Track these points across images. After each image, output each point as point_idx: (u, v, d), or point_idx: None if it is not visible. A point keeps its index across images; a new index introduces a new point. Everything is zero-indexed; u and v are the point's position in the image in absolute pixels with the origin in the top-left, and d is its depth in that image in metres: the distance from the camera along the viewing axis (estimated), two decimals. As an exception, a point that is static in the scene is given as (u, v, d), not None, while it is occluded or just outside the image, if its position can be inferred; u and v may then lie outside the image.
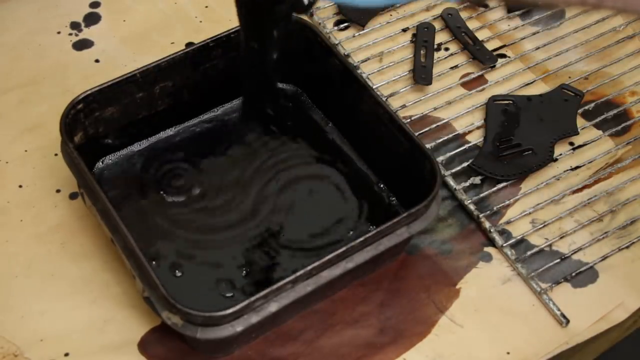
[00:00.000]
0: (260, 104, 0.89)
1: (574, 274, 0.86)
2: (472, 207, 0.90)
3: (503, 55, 1.04)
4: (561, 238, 0.89)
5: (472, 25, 1.06)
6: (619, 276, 0.87)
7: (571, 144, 0.96)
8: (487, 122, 0.96)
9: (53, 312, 0.82)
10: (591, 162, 0.94)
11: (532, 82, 1.01)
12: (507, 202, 0.91)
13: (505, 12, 1.08)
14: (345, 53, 1.02)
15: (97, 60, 1.01)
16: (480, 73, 1.02)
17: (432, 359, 0.81)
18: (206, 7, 1.06)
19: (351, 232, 0.85)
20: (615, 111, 0.98)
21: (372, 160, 0.90)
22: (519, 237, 0.88)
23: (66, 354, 0.79)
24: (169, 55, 0.87)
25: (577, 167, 0.94)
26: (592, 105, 0.98)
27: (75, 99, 0.83)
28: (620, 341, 0.90)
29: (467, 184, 0.92)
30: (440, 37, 1.05)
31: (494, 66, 1.02)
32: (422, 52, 1.02)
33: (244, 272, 0.83)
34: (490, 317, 0.84)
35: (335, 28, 1.05)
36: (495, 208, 0.90)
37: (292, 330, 0.82)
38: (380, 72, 1.01)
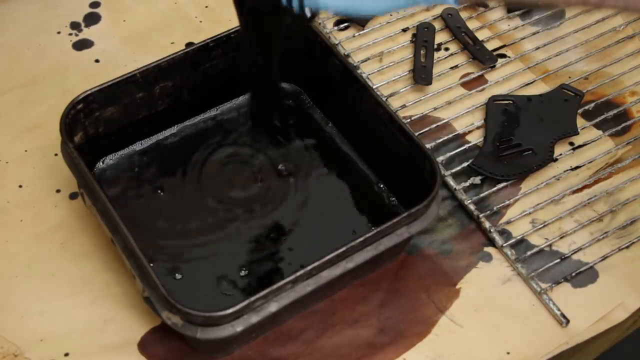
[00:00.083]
0: (265, 107, 0.89)
1: (574, 274, 0.86)
2: (472, 207, 0.90)
3: (503, 55, 1.04)
4: (561, 238, 0.89)
5: (472, 25, 1.06)
6: (619, 276, 0.87)
7: (571, 144, 0.96)
8: (487, 122, 0.96)
9: (53, 312, 0.82)
10: (591, 162, 0.94)
11: (532, 82, 1.01)
12: (507, 202, 0.91)
13: (505, 12, 1.08)
14: (345, 53, 1.02)
15: (97, 60, 1.01)
16: (480, 73, 1.02)
17: (432, 359, 0.81)
18: (206, 7, 1.06)
19: (354, 232, 0.85)
20: (615, 111, 0.98)
21: (372, 160, 0.90)
22: (519, 237, 0.88)
23: (66, 354, 0.79)
24: (169, 55, 0.87)
25: (577, 167, 0.94)
26: (592, 105, 0.98)
27: (75, 99, 0.83)
28: (620, 341, 0.90)
29: (467, 184, 0.92)
30: (440, 37, 1.05)
31: (494, 66, 1.02)
32: (422, 52, 1.02)
33: (245, 271, 0.83)
34: (490, 317, 0.84)
35: (335, 28, 1.05)
36: (495, 208, 0.90)
37: (292, 330, 0.82)
38: (380, 72, 1.01)
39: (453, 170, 0.93)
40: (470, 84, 1.01)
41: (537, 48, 1.04)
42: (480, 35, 1.05)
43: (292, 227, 0.86)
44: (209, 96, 0.93)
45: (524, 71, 1.02)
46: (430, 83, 0.99)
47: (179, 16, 1.05)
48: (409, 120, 0.96)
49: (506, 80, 1.01)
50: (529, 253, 0.87)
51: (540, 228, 0.89)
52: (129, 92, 0.86)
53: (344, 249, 0.76)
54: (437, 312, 0.83)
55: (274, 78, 0.82)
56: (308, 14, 0.70)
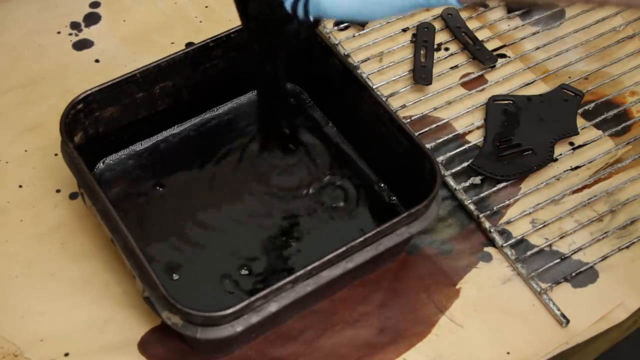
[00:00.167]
0: (273, 112, 0.89)
1: (574, 274, 0.86)
2: (472, 207, 0.90)
3: (503, 55, 1.04)
4: (561, 238, 0.89)
5: (472, 25, 1.06)
6: (619, 276, 0.87)
7: (571, 144, 0.96)
8: (487, 122, 0.96)
9: (53, 312, 0.82)
10: (591, 162, 0.94)
11: (532, 82, 1.01)
12: (507, 202, 0.91)
13: (505, 12, 1.08)
14: (345, 53, 1.02)
15: (97, 60, 1.01)
16: (480, 73, 1.02)
17: (432, 359, 0.81)
18: (206, 7, 1.06)
19: (355, 232, 0.85)
20: (615, 111, 0.98)
21: (372, 160, 0.90)
22: (519, 237, 0.88)
23: (66, 354, 0.79)
24: (169, 55, 0.87)
25: (577, 167, 0.94)
26: (592, 105, 0.98)
27: (75, 99, 0.83)
28: (620, 341, 0.90)
29: (467, 184, 0.92)
30: (440, 37, 1.05)
31: (494, 66, 1.02)
32: (422, 52, 1.02)
33: (245, 271, 0.83)
34: (490, 317, 0.84)
35: (335, 28, 1.05)
36: (495, 208, 0.90)
37: (292, 330, 0.82)
38: (380, 72, 1.01)
39: (453, 170, 0.93)
40: (470, 84, 1.01)
41: (537, 48, 1.04)
42: (480, 35, 1.05)
43: (292, 227, 0.86)
44: (209, 96, 0.93)
45: (524, 71, 1.02)
46: (430, 83, 0.99)
47: (179, 16, 1.05)
48: (409, 120, 0.96)
49: (506, 80, 1.01)
50: (529, 253, 0.87)
51: (540, 228, 0.89)
52: (129, 92, 0.86)
53: (344, 249, 0.76)
54: (437, 312, 0.83)
55: (279, 82, 0.83)
56: (312, 20, 0.71)
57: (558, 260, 0.87)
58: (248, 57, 0.87)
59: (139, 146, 0.91)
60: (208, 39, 0.88)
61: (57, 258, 0.85)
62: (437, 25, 1.05)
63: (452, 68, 1.01)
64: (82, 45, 1.02)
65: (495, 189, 0.92)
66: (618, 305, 0.85)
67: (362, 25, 1.05)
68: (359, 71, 1.00)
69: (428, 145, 0.94)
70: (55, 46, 1.02)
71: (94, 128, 0.86)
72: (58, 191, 0.90)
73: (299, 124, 0.93)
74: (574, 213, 0.90)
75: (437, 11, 1.07)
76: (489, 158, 0.93)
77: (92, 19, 1.04)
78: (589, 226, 0.90)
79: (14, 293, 0.83)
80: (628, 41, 1.05)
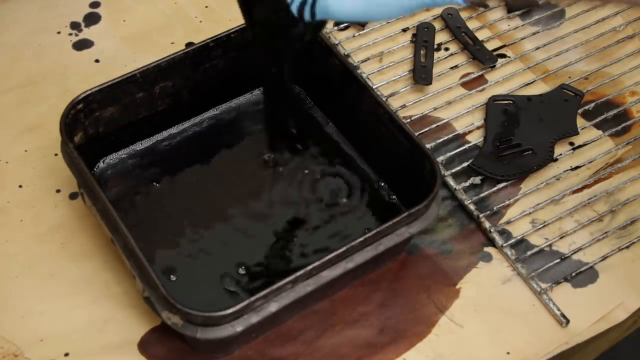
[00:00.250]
0: (279, 112, 0.90)
1: (574, 274, 0.86)
2: (472, 207, 0.90)
3: (503, 55, 1.04)
4: (561, 238, 0.89)
5: (472, 25, 1.06)
6: (618, 276, 0.87)
7: (571, 144, 0.96)
8: (487, 122, 0.96)
9: (53, 312, 0.82)
10: (591, 162, 0.94)
11: (532, 82, 1.01)
12: (507, 202, 0.91)
13: (505, 12, 1.08)
14: (345, 53, 1.02)
15: (97, 60, 1.01)
16: (480, 73, 1.02)
17: (432, 359, 0.81)
18: (206, 7, 1.06)
19: (355, 232, 0.85)
20: (615, 111, 0.98)
21: (372, 160, 0.90)
22: (519, 237, 0.88)
23: (66, 354, 0.79)
24: (169, 55, 0.87)
25: (577, 167, 0.94)
26: (592, 105, 0.98)
27: (75, 99, 0.83)
28: (620, 341, 0.90)
29: (467, 184, 0.92)
30: (440, 37, 1.05)
31: (494, 66, 1.02)
32: (422, 52, 1.02)
33: (244, 271, 0.83)
34: (490, 317, 0.84)
35: (335, 28, 1.05)
36: (495, 208, 0.90)
37: (292, 330, 0.82)
38: (380, 72, 1.01)
39: (453, 170, 0.93)
40: (470, 84, 1.01)
41: (537, 48, 1.04)
42: (480, 35, 1.05)
43: (291, 226, 0.86)
44: (209, 96, 0.93)
45: (524, 71, 1.02)
46: (430, 83, 0.99)
47: (179, 16, 1.05)
48: (409, 120, 0.96)
49: (506, 80, 1.01)
50: (529, 253, 0.87)
51: (540, 228, 0.89)
52: (129, 92, 0.86)
53: (344, 249, 0.76)
54: (437, 312, 0.83)
55: (285, 84, 0.83)
56: (316, 23, 0.71)
57: (558, 260, 0.87)
58: (251, 58, 0.88)
59: (139, 146, 0.91)
60: (208, 39, 0.88)
61: (57, 258, 0.85)
62: (437, 25, 1.05)
63: (452, 68, 1.01)
64: (82, 45, 1.02)
65: (495, 189, 0.92)
66: (618, 305, 0.85)
67: (362, 25, 1.05)
68: (359, 71, 1.00)
69: (428, 145, 0.94)
70: (55, 46, 1.02)
71: (94, 128, 0.86)
72: (58, 191, 0.90)
73: (305, 124, 0.93)
74: (574, 213, 0.90)
75: (437, 11, 1.07)
76: (489, 158, 0.93)
77: (92, 19, 1.04)
78: (589, 226, 0.90)
79: (14, 293, 0.83)
80: (628, 41, 1.05)
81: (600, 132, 0.97)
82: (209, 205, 0.87)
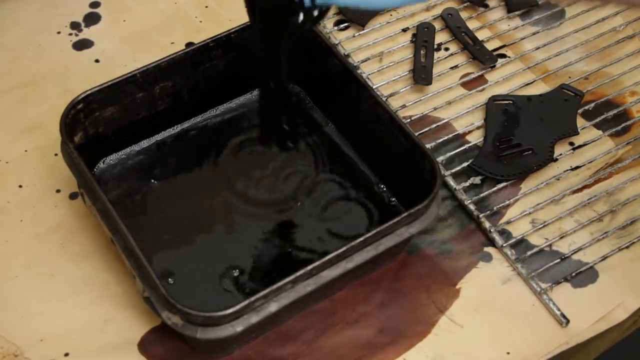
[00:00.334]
0: (274, 108, 0.89)
1: (574, 274, 0.86)
2: (472, 207, 0.90)
3: (503, 55, 1.04)
4: (561, 238, 0.89)
5: (472, 25, 1.06)
6: (618, 276, 0.87)
7: (571, 144, 0.96)
8: (487, 122, 0.96)
9: (53, 312, 0.82)
10: (591, 162, 0.94)
11: (532, 82, 1.01)
12: (507, 202, 0.91)
13: (505, 12, 1.08)
14: (345, 53, 1.02)
15: (97, 60, 1.01)
16: (480, 73, 1.02)
17: (432, 359, 0.81)
18: (206, 7, 1.06)
19: (355, 232, 0.85)
20: (615, 111, 0.98)
21: (372, 160, 0.90)
22: (519, 237, 0.88)
23: (66, 354, 0.79)
24: (169, 55, 0.87)
25: (577, 167, 0.94)
26: (592, 105, 0.98)
27: (75, 99, 0.83)
28: (620, 341, 0.90)
29: (467, 184, 0.92)
30: (440, 37, 1.05)
31: (494, 66, 1.02)
32: (422, 52, 1.02)
33: (245, 270, 0.83)
34: (490, 317, 0.84)
35: (335, 28, 1.05)
36: (495, 208, 0.90)
37: (292, 330, 0.82)
38: (380, 72, 1.01)
39: (453, 170, 0.93)
40: (470, 84, 1.01)
41: (537, 48, 1.04)
42: (480, 35, 1.05)
43: (291, 226, 0.86)
44: (209, 96, 0.93)
45: (524, 71, 1.02)
46: (430, 83, 0.99)
47: (179, 16, 1.05)
48: (409, 120, 0.96)
49: (506, 80, 1.01)
50: (529, 253, 0.87)
51: (540, 228, 0.89)
52: (129, 92, 0.86)
53: (344, 249, 0.76)
54: (437, 312, 0.83)
55: (282, 77, 0.82)
56: (315, 13, 0.71)
57: (558, 260, 0.87)
58: (251, 53, 0.88)
59: (139, 146, 0.91)
60: (208, 39, 0.88)
61: (57, 258, 0.85)
62: (437, 25, 1.05)
63: (452, 68, 1.01)
64: (82, 45, 1.02)
65: (495, 189, 0.92)
66: (618, 305, 0.85)
67: (362, 25, 1.05)
68: (359, 71, 1.00)
69: (428, 145, 0.94)
70: (55, 46, 1.02)
71: (94, 128, 0.86)
72: (58, 191, 0.90)
73: (299, 122, 0.93)
74: (574, 213, 0.90)
75: (437, 11, 1.07)
76: (489, 158, 0.93)
77: (92, 19, 1.04)
78: (589, 226, 0.90)
79: (14, 293, 0.83)
80: (628, 41, 1.05)
81: (600, 132, 0.97)
82: (209, 205, 0.87)
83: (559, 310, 0.83)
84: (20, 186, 0.90)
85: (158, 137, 0.91)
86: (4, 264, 0.85)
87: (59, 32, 1.03)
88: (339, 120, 0.93)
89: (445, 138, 0.95)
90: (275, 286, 0.73)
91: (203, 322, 0.72)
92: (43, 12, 1.05)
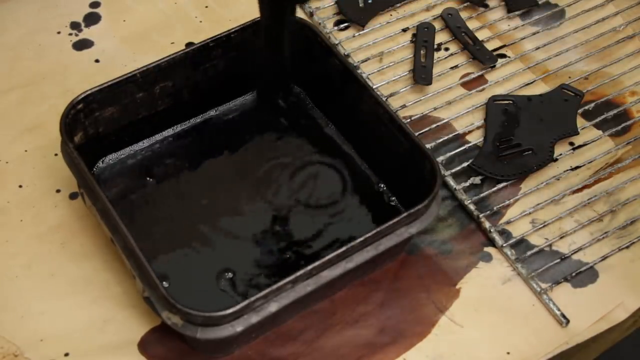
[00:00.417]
0: (274, 93, 0.89)
1: (574, 274, 0.86)
2: (472, 207, 0.90)
3: (503, 55, 1.04)
4: (561, 238, 0.89)
5: (472, 25, 1.06)
6: (618, 276, 0.87)
7: (571, 144, 0.96)
8: (487, 122, 0.96)
9: (53, 312, 0.82)
10: (591, 162, 0.94)
11: (532, 82, 1.01)
12: (507, 202, 0.91)
13: (505, 12, 1.08)
14: (345, 53, 1.02)
15: (97, 60, 1.01)
16: (480, 73, 1.02)
17: (432, 359, 0.81)
18: (206, 7, 1.06)
19: (356, 232, 0.85)
20: (615, 111, 0.98)
21: (372, 160, 0.90)
22: (519, 237, 0.88)
23: (66, 354, 0.79)
24: (169, 55, 0.87)
25: (577, 167, 0.94)
26: (592, 105, 0.98)
27: (75, 99, 0.83)
28: (620, 341, 0.90)
29: (467, 184, 0.92)
30: (440, 37, 1.05)
31: (494, 66, 1.02)
32: (422, 52, 1.02)
33: (243, 271, 0.83)
34: (490, 317, 0.84)
35: (335, 28, 1.05)
36: (495, 208, 0.90)
37: (292, 330, 0.82)
38: (380, 72, 1.01)
39: (453, 170, 0.93)
40: (470, 84, 1.01)
41: (537, 48, 1.04)
42: (480, 35, 1.05)
43: (291, 226, 0.86)
44: (209, 96, 0.93)
45: (524, 71, 1.02)
46: (430, 83, 0.99)
47: (179, 16, 1.05)
48: (409, 120, 0.96)
49: (506, 80, 1.01)
50: (529, 253, 0.87)
51: (540, 228, 0.89)
52: (129, 92, 0.86)
53: (344, 249, 0.76)
54: (437, 312, 0.83)
55: (285, 62, 0.82)
56: None
57: (558, 260, 0.87)
58: (251, 54, 0.88)
59: (139, 146, 0.91)
60: (208, 39, 0.88)
61: (57, 258, 0.85)
62: (437, 25, 1.05)
63: (452, 68, 1.01)
64: (82, 45, 1.02)
65: (495, 189, 0.92)
66: (618, 305, 0.85)
67: (362, 25, 1.05)
68: (359, 71, 1.00)
69: (428, 145, 0.94)
70: (55, 46, 1.02)
71: (94, 128, 0.86)
72: (58, 191, 0.90)
73: (305, 124, 0.93)
74: (574, 213, 0.91)
75: (437, 11, 1.07)
76: (489, 158, 0.93)
77: (92, 19, 1.04)
78: (589, 226, 0.90)
79: (14, 293, 0.83)
80: (628, 41, 1.05)
81: (600, 132, 0.97)
82: (209, 205, 0.87)
83: (559, 310, 0.83)
84: (20, 186, 0.90)
85: (158, 137, 0.91)
86: (4, 264, 0.85)
87: (59, 32, 1.03)
88: (339, 120, 0.93)
89: (445, 138, 0.95)
90: (275, 286, 0.73)
91: (203, 322, 0.72)
92: (43, 12, 1.05)
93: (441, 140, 0.95)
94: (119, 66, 0.99)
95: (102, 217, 0.78)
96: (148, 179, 0.89)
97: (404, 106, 0.97)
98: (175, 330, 0.73)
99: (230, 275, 0.82)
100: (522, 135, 0.95)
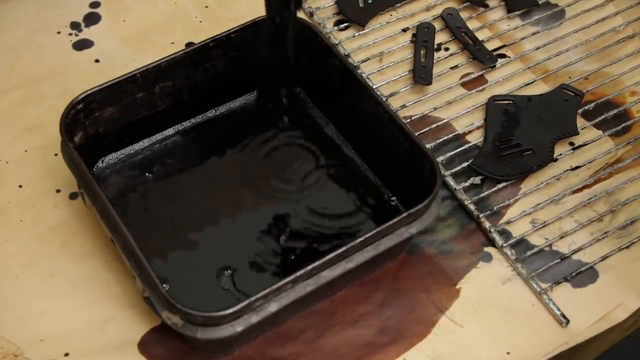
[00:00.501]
0: (276, 92, 0.89)
1: (574, 274, 0.86)
2: (472, 207, 0.90)
3: (503, 55, 1.04)
4: (561, 238, 0.89)
5: (472, 25, 1.06)
6: (618, 276, 0.87)
7: (571, 144, 0.96)
8: (487, 122, 0.96)
9: (53, 312, 0.82)
10: (591, 162, 0.94)
11: (532, 82, 1.01)
12: (507, 202, 0.91)
13: (505, 12, 1.08)
14: (345, 53, 1.02)
15: (97, 60, 1.01)
16: (480, 73, 1.02)
17: (432, 359, 0.81)
18: (206, 7, 1.06)
19: (356, 232, 0.85)
20: (615, 111, 0.98)
21: (372, 160, 0.90)
22: (519, 237, 0.88)
23: (66, 354, 0.79)
24: (169, 55, 0.87)
25: (577, 167, 0.94)
26: (592, 105, 0.98)
27: (75, 99, 0.83)
28: (620, 341, 0.90)
29: (467, 184, 0.92)
30: (440, 37, 1.05)
31: (494, 66, 1.02)
32: (422, 52, 1.02)
33: (243, 270, 0.83)
34: (490, 317, 0.84)
35: (335, 28, 1.05)
36: (495, 208, 0.90)
37: (292, 330, 0.82)
38: (380, 72, 1.01)
39: (453, 170, 0.93)
40: (470, 84, 1.01)
41: (537, 48, 1.04)
42: (480, 35, 1.05)
43: (291, 226, 0.86)
44: (209, 96, 0.93)
45: (524, 71, 1.02)
46: (430, 83, 0.99)
47: (179, 16, 1.05)
48: (409, 120, 0.96)
49: (506, 80, 1.01)
50: (529, 253, 0.87)
51: (540, 228, 0.89)
52: (129, 92, 0.86)
53: (344, 249, 0.76)
54: (437, 312, 0.83)
55: (288, 55, 0.82)
56: None
57: (558, 260, 0.87)
58: (251, 54, 0.88)
59: (139, 146, 0.91)
60: (208, 39, 0.88)
61: (57, 258, 0.85)
62: (437, 25, 1.05)
63: (452, 68, 1.01)
64: (82, 45, 1.02)
65: (495, 189, 0.92)
66: (618, 305, 0.85)
67: (362, 25, 1.05)
68: (359, 71, 1.00)
69: (428, 145, 0.94)
70: (55, 46, 1.02)
71: (94, 128, 0.86)
72: (58, 191, 0.90)
73: (305, 125, 0.93)
74: (574, 213, 0.91)
75: (437, 11, 1.07)
76: (489, 158, 0.93)
77: (92, 19, 1.04)
78: (589, 226, 0.90)
79: (14, 293, 0.83)
80: (628, 41, 1.05)
81: (600, 132, 0.97)
82: (209, 205, 0.87)
83: (559, 310, 0.83)
84: (20, 186, 0.90)
85: (158, 137, 0.91)
86: (4, 264, 0.85)
87: (59, 32, 1.03)
88: (339, 121, 0.93)
89: (445, 138, 0.95)
90: (275, 286, 0.73)
91: (203, 322, 0.72)
92: (43, 12, 1.05)
93: (441, 140, 0.95)
94: (119, 66, 0.99)
95: (102, 217, 0.78)
96: (148, 179, 0.89)
97: (404, 106, 0.97)
98: (175, 330, 0.73)
99: (229, 272, 0.82)
100: (522, 135, 0.95)
